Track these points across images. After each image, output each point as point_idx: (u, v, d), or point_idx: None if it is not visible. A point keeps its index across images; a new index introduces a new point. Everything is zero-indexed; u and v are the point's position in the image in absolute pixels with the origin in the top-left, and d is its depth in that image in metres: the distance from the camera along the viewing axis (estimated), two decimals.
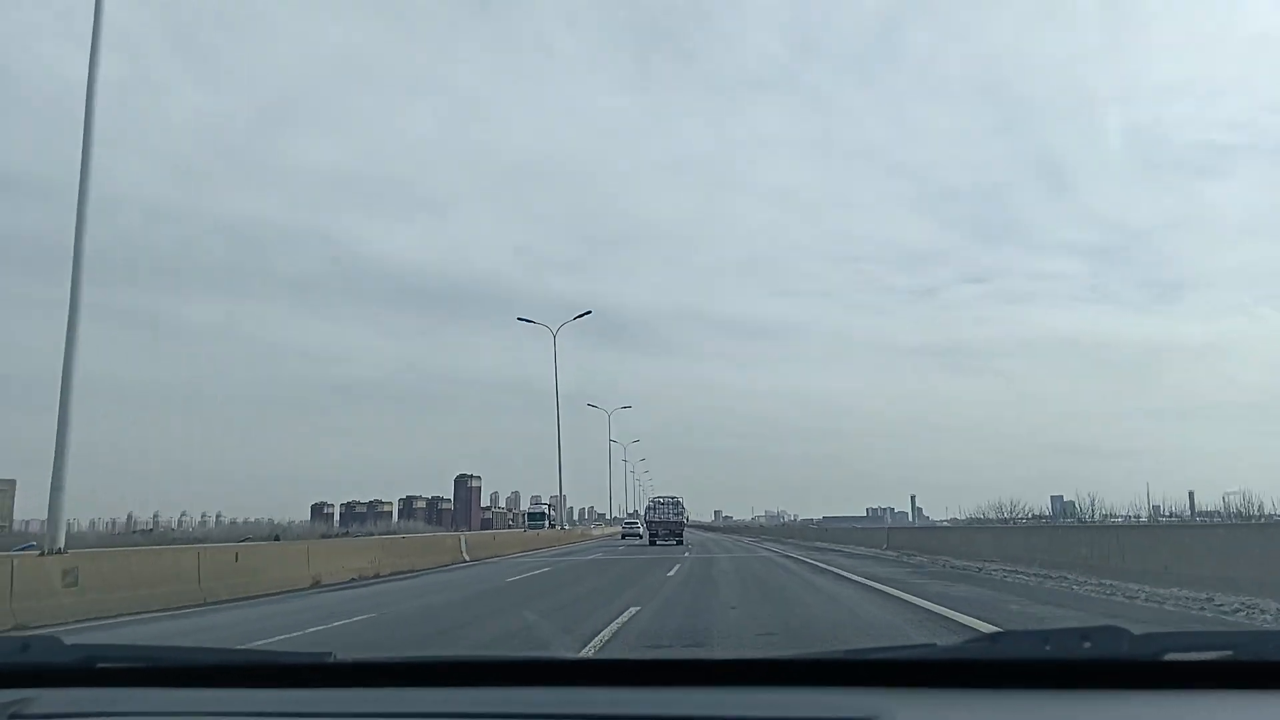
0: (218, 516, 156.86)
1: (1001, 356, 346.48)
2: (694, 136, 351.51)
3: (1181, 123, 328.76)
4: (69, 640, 1.73)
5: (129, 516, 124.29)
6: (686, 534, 46.04)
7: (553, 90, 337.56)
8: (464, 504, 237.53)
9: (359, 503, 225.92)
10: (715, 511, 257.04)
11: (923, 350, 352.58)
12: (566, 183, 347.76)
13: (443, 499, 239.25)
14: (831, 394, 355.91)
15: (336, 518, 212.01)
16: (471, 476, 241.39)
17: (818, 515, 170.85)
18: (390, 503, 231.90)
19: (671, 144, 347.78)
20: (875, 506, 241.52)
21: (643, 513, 50.35)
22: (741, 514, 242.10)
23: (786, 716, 1.33)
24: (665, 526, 41.77)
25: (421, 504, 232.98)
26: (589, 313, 53.35)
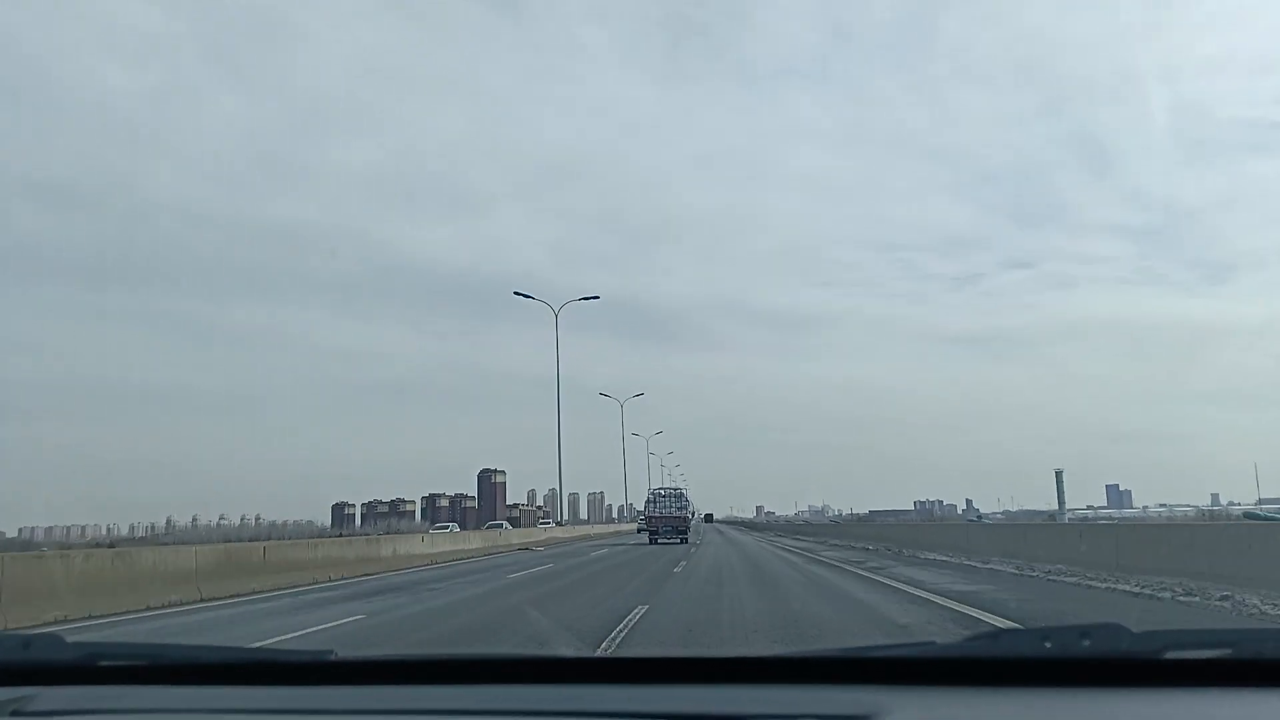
0: (257, 518, 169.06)
1: (1048, 343, 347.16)
2: (726, 127, 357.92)
3: (1228, 98, 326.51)
4: (70, 638, 1.80)
5: (168, 520, 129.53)
6: (710, 537, 44.19)
7: (583, 86, 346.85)
8: (488, 500, 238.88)
9: (380, 502, 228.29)
10: (757, 507, 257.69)
11: (967, 338, 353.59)
12: (600, 178, 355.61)
13: (467, 496, 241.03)
14: (874, 385, 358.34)
15: (358, 518, 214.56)
16: (495, 471, 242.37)
17: (864, 509, 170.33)
18: (413, 501, 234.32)
19: (704, 136, 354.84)
20: (924, 499, 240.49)
21: (642, 508, 46.58)
22: (784, 509, 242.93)
23: (785, 713, 1.36)
24: (667, 523, 39.51)
25: (445, 502, 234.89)
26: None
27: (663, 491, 42.26)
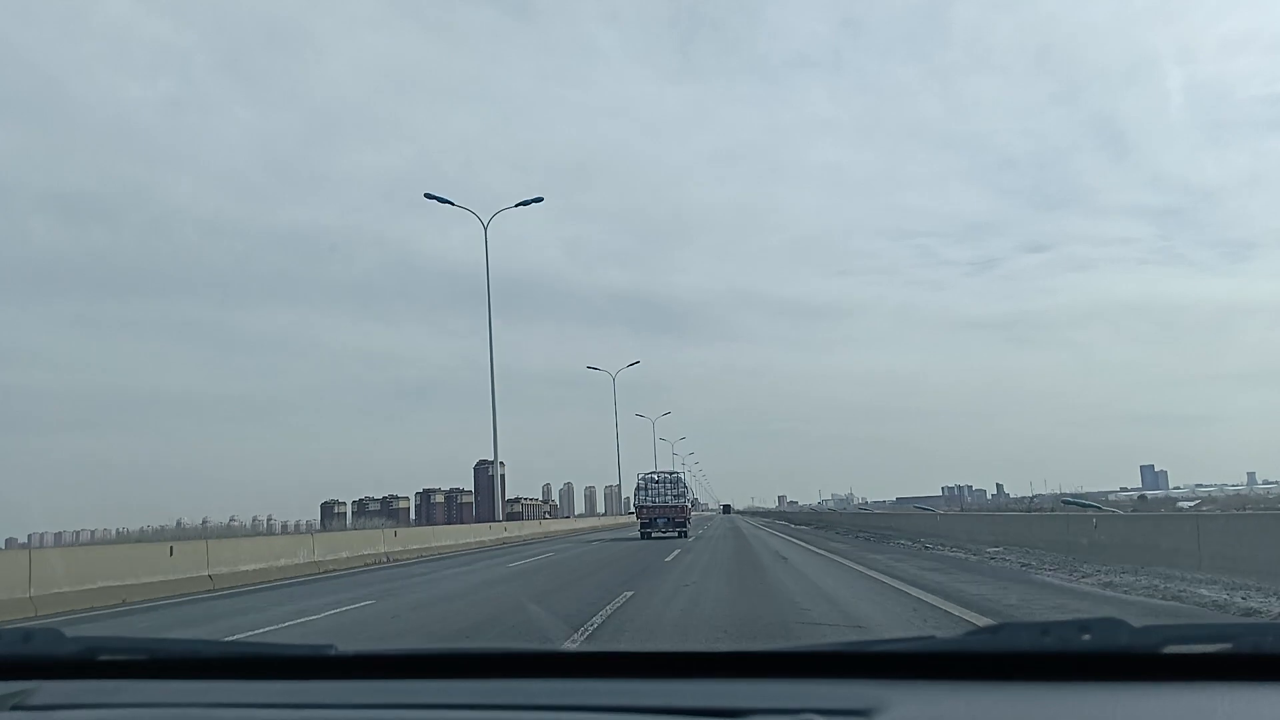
0: (269, 519, 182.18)
1: (1070, 326, 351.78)
2: (741, 122, 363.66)
3: (1246, 77, 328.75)
4: (70, 632, 1.88)
5: (178, 523, 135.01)
6: (715, 527, 41.34)
7: (597, 86, 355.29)
8: (486, 495, 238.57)
9: (371, 499, 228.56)
10: (779, 497, 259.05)
11: (988, 323, 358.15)
12: (615, 176, 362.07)
13: (464, 491, 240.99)
14: (896, 372, 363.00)
15: (349, 516, 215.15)
16: (493, 462, 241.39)
17: (891, 497, 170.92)
18: (406, 497, 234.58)
19: (719, 131, 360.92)
20: (952, 485, 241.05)
21: (632, 495, 39.84)
22: (808, 498, 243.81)
23: (785, 708, 1.41)
24: (662, 513, 34.98)
25: (440, 498, 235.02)
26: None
27: (655, 476, 36.47)
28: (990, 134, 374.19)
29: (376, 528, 34.96)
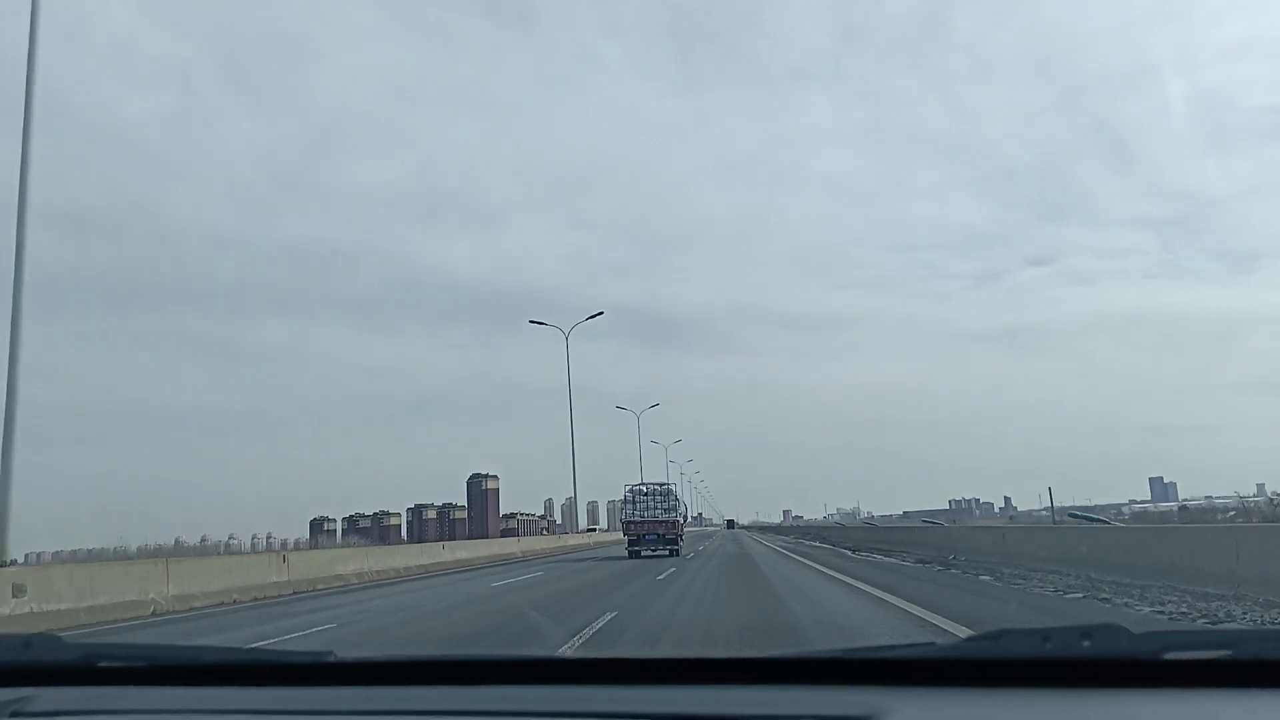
0: (268, 536, 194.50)
1: (1074, 337, 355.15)
2: (743, 132, 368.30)
3: (1249, 84, 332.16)
4: (70, 639, 1.92)
5: (176, 541, 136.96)
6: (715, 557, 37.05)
7: (599, 97, 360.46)
8: (479, 509, 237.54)
9: (362, 515, 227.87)
10: (784, 511, 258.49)
11: (992, 335, 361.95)
12: (616, 187, 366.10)
13: (456, 506, 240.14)
14: (900, 386, 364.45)
15: (339, 533, 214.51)
16: (486, 476, 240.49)
17: (897, 510, 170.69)
18: (398, 513, 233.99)
19: (720, 141, 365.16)
20: (959, 498, 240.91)
21: (620, 509, 36.85)
22: (813, 512, 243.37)
23: (784, 714, 1.44)
24: (652, 529, 32.53)
25: (432, 513, 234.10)
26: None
27: (644, 489, 33.67)
28: (992, 143, 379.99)
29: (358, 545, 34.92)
